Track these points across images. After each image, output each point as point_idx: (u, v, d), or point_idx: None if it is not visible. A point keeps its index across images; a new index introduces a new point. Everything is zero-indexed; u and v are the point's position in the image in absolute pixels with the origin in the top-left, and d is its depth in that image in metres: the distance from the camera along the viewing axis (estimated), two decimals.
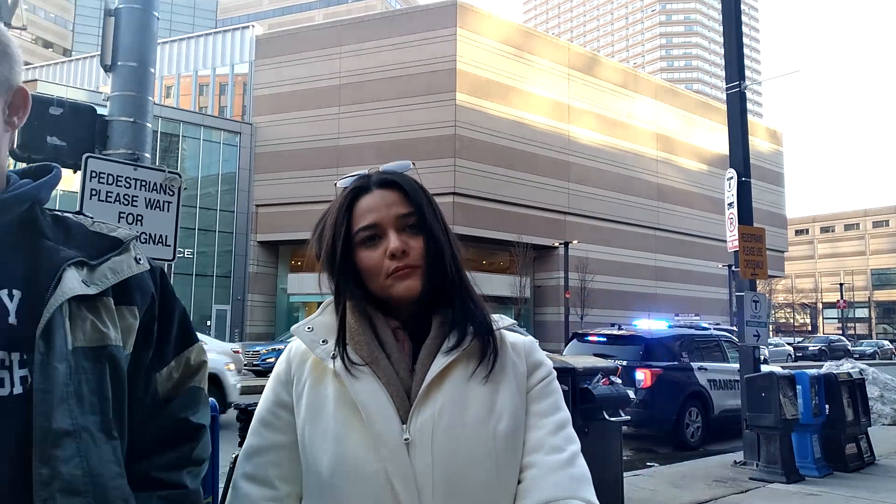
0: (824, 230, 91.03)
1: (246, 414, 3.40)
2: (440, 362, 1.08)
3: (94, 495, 0.89)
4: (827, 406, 7.70)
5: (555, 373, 1.20)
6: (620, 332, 10.85)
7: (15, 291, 0.92)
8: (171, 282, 1.17)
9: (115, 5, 4.00)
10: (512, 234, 34.90)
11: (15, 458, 0.86)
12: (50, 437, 0.86)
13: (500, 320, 1.19)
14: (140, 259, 1.06)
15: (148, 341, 1.05)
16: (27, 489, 0.85)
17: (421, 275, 1.12)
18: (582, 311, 35.19)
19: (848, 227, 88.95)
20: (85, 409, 0.91)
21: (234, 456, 3.45)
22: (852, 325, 68.21)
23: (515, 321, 1.23)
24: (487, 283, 32.92)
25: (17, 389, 0.88)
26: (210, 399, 1.69)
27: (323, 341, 1.13)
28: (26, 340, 0.90)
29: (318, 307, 1.22)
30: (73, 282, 0.94)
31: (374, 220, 1.13)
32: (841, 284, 60.31)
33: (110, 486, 0.92)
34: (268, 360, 19.74)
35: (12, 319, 0.91)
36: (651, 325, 13.01)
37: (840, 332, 59.17)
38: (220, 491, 3.34)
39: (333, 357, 1.10)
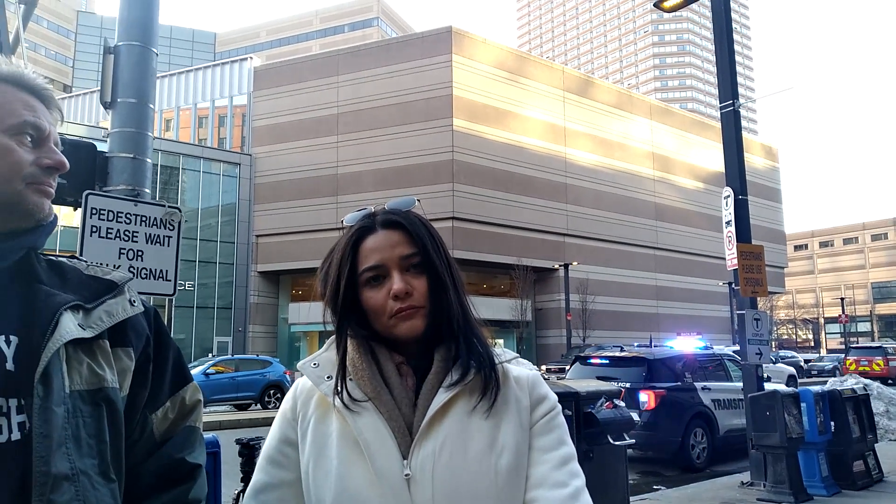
0: (823, 245, 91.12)
1: (248, 449, 3.39)
2: (442, 397, 1.09)
3: None
4: (832, 423, 7.64)
5: (559, 407, 1.19)
6: (623, 354, 10.81)
7: (12, 337, 0.93)
8: (172, 315, 1.18)
9: (115, 43, 4.05)
10: (511, 257, 34.94)
11: (14, 503, 0.86)
12: (49, 481, 0.87)
13: (503, 354, 1.19)
14: (135, 301, 1.07)
15: (143, 382, 1.06)
16: None
17: (424, 315, 1.13)
18: (584, 332, 35.09)
19: (847, 241, 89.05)
20: (83, 452, 0.92)
21: (235, 492, 3.43)
22: (855, 339, 67.88)
23: (518, 354, 1.23)
24: (488, 307, 32.87)
25: (15, 435, 0.89)
26: (212, 435, 1.69)
27: (328, 377, 1.14)
28: (24, 386, 0.90)
29: (319, 337, 1.23)
30: (70, 325, 0.95)
31: (378, 261, 1.14)
32: (842, 299, 60.19)
33: None
34: None
35: (10, 365, 0.91)
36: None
37: (843, 346, 58.84)
38: None
39: (336, 393, 1.11)
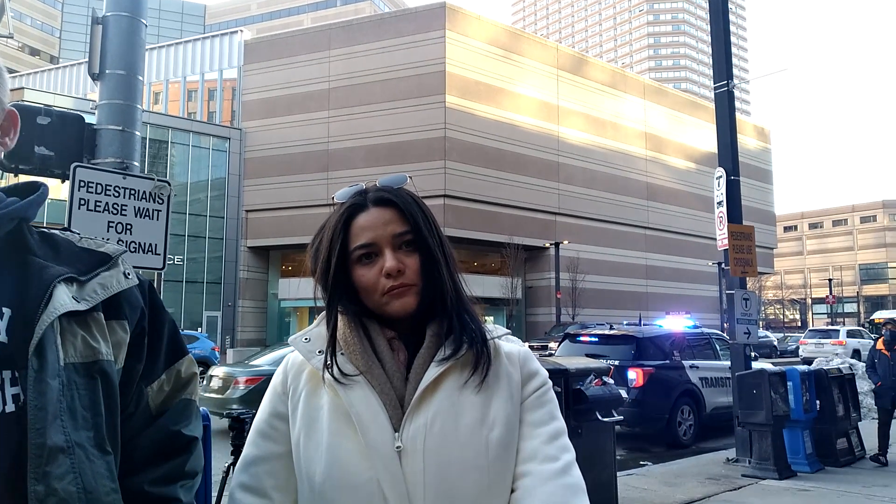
0: (812, 226, 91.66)
1: (238, 422, 3.40)
2: (433, 371, 1.10)
3: None
4: (818, 402, 7.75)
5: (550, 383, 1.21)
6: (612, 332, 10.88)
7: (4, 309, 0.92)
8: (162, 289, 1.17)
9: (103, 13, 3.98)
10: (503, 235, 34.95)
11: (9, 476, 0.86)
12: (44, 453, 0.87)
13: (495, 330, 1.20)
14: (129, 274, 1.06)
15: (138, 355, 1.05)
16: None
17: (417, 292, 1.13)
18: (573, 311, 35.28)
19: (836, 223, 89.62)
20: (78, 424, 0.91)
21: (226, 465, 3.45)
22: (841, 319, 68.62)
23: (510, 331, 1.23)
24: (479, 285, 32.95)
25: (10, 407, 0.89)
26: (202, 409, 1.69)
27: (319, 352, 1.14)
28: (17, 358, 0.90)
29: (310, 312, 1.23)
30: (64, 298, 0.94)
31: (370, 239, 1.14)
32: (829, 280, 60.75)
33: (105, 502, 0.92)
34: None
35: (2, 337, 0.91)
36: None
37: (829, 326, 59.42)
38: (213, 500, 3.33)
39: (327, 368, 1.11)
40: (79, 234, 1.08)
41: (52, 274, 0.96)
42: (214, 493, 3.42)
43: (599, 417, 5.40)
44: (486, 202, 35.49)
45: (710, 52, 9.25)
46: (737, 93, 9.24)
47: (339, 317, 1.16)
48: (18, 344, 0.90)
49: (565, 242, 36.05)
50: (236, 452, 3.45)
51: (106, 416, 0.96)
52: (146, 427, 1.07)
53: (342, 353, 1.13)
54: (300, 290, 32.94)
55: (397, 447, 1.05)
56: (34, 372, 0.89)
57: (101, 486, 0.92)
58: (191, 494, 1.10)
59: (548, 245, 36.54)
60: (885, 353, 8.10)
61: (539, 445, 1.11)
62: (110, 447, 0.96)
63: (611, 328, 11.58)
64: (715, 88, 8.91)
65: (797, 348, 33.67)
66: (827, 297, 59.21)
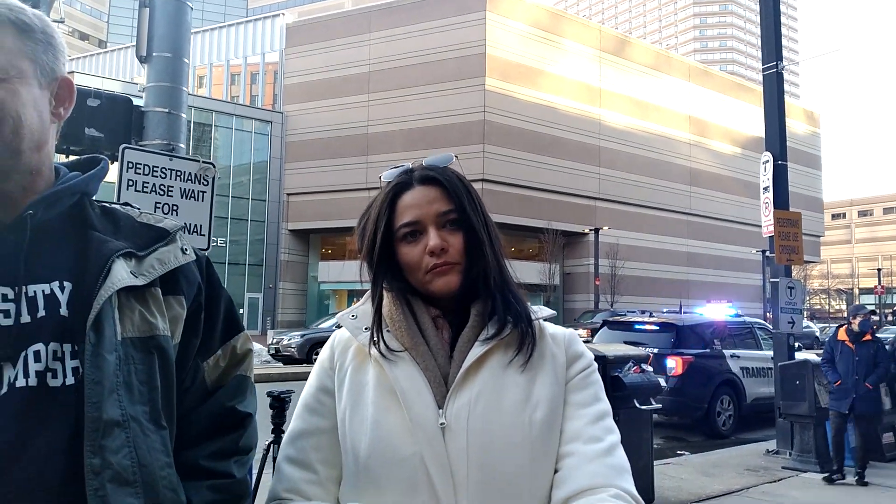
0: (862, 214, 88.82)
1: (279, 401, 3.46)
2: (478, 350, 1.10)
3: (143, 485, 0.91)
4: None
5: (595, 365, 1.21)
6: (652, 320, 10.75)
7: (66, 283, 0.94)
8: None
9: None
10: (541, 220, 34.66)
11: (67, 448, 0.88)
12: (100, 427, 0.88)
13: (540, 311, 1.21)
14: (186, 249, 1.07)
15: (195, 331, 1.07)
16: (79, 479, 0.87)
17: (460, 271, 1.14)
18: (612, 298, 34.89)
19: (887, 211, 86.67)
20: (134, 399, 0.93)
21: (266, 443, 3.52)
22: (890, 310, 66.46)
23: (554, 312, 1.24)
24: (516, 271, 32.36)
25: (70, 380, 0.91)
26: None
27: (366, 328, 1.16)
28: (77, 332, 0.92)
29: (348, 295, 1.23)
30: (122, 273, 0.96)
31: (414, 217, 1.15)
32: (879, 269, 58.86)
33: (159, 476, 0.94)
34: None
35: (63, 311, 0.93)
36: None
37: (877, 317, 57.63)
38: (254, 477, 3.41)
39: (373, 343, 1.13)
40: (139, 209, 1.09)
41: (111, 249, 0.97)
42: (255, 471, 3.50)
43: (637, 405, 5.36)
44: (524, 187, 35.22)
45: (759, 32, 8.98)
46: (786, 75, 8.96)
47: (385, 294, 1.18)
48: (78, 318, 0.92)
49: (605, 228, 35.56)
50: (276, 431, 3.53)
51: (162, 390, 0.98)
52: (202, 402, 1.08)
53: (388, 330, 1.14)
54: (339, 272, 33.28)
55: (441, 424, 1.06)
56: (91, 346, 0.90)
57: (155, 461, 0.94)
58: (244, 470, 1.12)
59: (587, 231, 36.12)
60: (850, 345, 6.75)
61: (583, 426, 1.11)
62: (165, 422, 0.98)
63: (650, 315, 11.43)
64: (763, 70, 8.66)
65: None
66: (875, 287, 57.35)
